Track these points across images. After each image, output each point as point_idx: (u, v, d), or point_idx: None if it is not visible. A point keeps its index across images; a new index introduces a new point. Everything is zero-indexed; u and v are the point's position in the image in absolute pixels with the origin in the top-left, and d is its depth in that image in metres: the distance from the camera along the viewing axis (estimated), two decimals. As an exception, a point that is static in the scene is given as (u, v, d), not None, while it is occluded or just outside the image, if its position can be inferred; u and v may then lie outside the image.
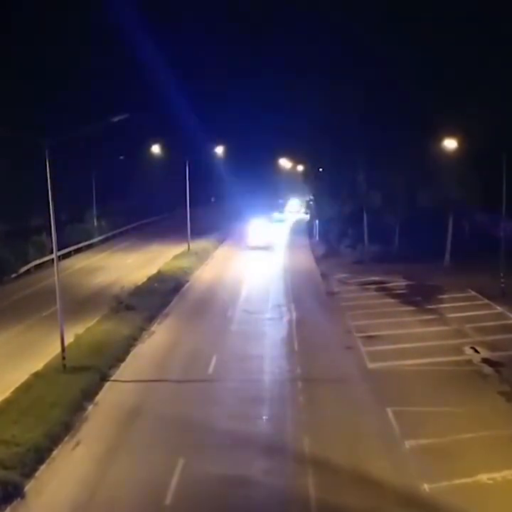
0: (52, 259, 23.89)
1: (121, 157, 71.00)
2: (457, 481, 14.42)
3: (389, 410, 18.42)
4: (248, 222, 58.79)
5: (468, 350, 24.15)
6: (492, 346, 24.28)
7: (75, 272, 43.59)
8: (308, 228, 68.14)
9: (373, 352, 24.15)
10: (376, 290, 36.30)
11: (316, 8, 49.91)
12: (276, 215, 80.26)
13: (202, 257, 48.56)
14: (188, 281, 39.53)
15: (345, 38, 45.28)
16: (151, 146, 70.96)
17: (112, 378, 21.82)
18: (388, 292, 35.49)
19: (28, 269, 42.69)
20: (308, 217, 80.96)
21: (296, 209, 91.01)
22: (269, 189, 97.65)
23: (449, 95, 36.65)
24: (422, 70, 38.88)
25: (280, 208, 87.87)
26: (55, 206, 21.61)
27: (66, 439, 16.99)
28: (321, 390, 20.43)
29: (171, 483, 14.55)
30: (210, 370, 22.51)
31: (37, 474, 15.08)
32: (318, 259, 48.57)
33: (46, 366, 21.92)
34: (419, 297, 33.40)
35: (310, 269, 44.86)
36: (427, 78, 38.60)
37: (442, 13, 38.30)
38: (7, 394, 19.36)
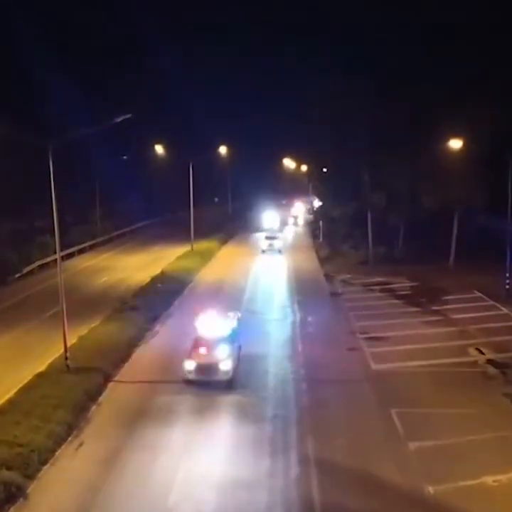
0: (56, 260, 23.84)
1: (125, 157, 71.08)
2: (462, 483, 14.35)
3: (393, 412, 18.37)
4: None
5: (473, 352, 24.06)
6: (497, 347, 24.19)
7: (79, 272, 43.59)
8: (312, 229, 67.97)
9: (377, 353, 24.07)
10: (380, 291, 36.19)
11: (319, 9, 50.04)
12: (265, 240, 52.49)
13: (205, 257, 48.51)
14: (191, 282, 39.49)
15: (348, 39, 45.36)
16: (154, 147, 71.09)
17: (116, 379, 21.80)
18: (392, 293, 35.39)
19: (31, 270, 42.72)
20: (300, 226, 74.00)
21: (276, 224, 62.46)
22: (269, 191, 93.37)
23: (454, 96, 36.58)
24: (426, 71, 38.83)
25: (272, 228, 59.90)
26: (58, 207, 21.60)
27: (69, 439, 16.99)
28: (325, 391, 20.37)
29: (174, 485, 14.51)
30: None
31: (40, 475, 15.08)
32: (322, 260, 48.48)
33: (50, 367, 21.90)
34: (424, 298, 33.30)
35: (314, 270, 44.76)
36: (431, 79, 38.54)
37: (446, 13, 38.28)
38: (10, 394, 19.37)
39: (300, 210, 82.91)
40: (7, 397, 19.18)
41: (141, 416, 18.58)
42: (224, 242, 58.92)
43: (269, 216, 65.00)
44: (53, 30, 56.86)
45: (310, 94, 46.79)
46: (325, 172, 57.79)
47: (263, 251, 51.25)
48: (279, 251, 51.32)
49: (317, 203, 68.07)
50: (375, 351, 24.34)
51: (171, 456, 16.04)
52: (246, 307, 32.50)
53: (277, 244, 51.97)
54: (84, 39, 63.56)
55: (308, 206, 79.64)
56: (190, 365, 20.62)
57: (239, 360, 21.73)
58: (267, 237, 53.16)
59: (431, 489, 14.17)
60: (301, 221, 78.27)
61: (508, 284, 32.87)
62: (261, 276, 41.90)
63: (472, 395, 19.73)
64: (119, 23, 69.00)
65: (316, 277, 41.83)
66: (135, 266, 45.69)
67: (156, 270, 40.92)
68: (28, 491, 14.32)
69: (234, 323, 23.06)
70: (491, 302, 31.61)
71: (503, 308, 30.41)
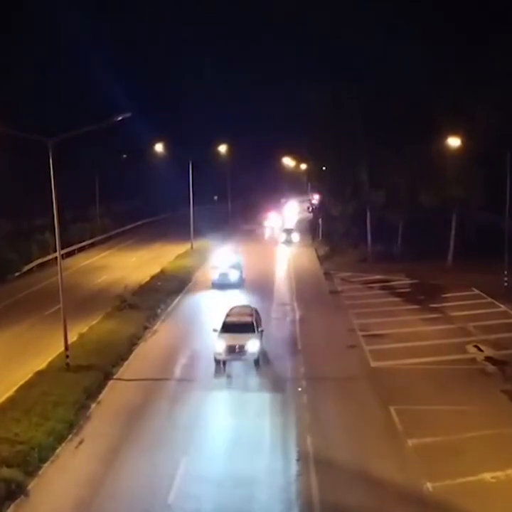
0: (56, 258, 23.91)
1: (124, 156, 71.14)
2: (461, 480, 14.39)
3: (392, 409, 18.41)
4: None
5: (471, 349, 24.10)
6: (495, 345, 24.25)
7: (79, 270, 43.65)
8: (312, 228, 67.88)
9: (376, 350, 24.12)
10: (379, 289, 36.26)
11: (318, 11, 50.12)
12: (223, 338, 22.48)
13: (205, 255, 48.54)
14: (191, 281, 39.54)
15: (346, 37, 45.31)
16: (154, 146, 71.08)
17: (116, 377, 21.85)
18: (392, 291, 35.46)
19: (31, 268, 42.77)
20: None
21: (235, 275, 37.34)
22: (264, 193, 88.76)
23: (452, 94, 36.61)
24: (424, 69, 38.83)
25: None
26: (58, 205, 21.64)
27: (69, 437, 17.02)
28: (325, 388, 20.43)
29: (174, 482, 14.57)
30: (214, 368, 22.45)
31: (40, 472, 15.13)
32: (322, 258, 48.52)
33: (50, 365, 21.98)
34: (423, 296, 33.36)
35: (314, 268, 44.82)
36: (429, 77, 38.55)
37: (443, 13, 38.32)
38: (11, 392, 19.44)
39: (295, 217, 75.58)
40: (7, 395, 19.25)
41: (140, 414, 18.65)
42: (224, 240, 58.90)
43: (223, 257, 39.43)
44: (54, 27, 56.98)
45: (309, 95, 46.72)
46: (324, 170, 57.77)
47: (218, 362, 22.21)
48: (256, 362, 22.33)
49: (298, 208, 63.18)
50: (374, 349, 24.39)
51: (170, 453, 16.09)
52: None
53: (251, 346, 22.19)
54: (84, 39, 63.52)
55: (308, 205, 78.50)
56: None
57: None
58: (229, 326, 23.17)
59: (429, 486, 14.21)
60: (296, 237, 58.39)
61: (506, 281, 32.95)
62: (259, 276, 41.78)
63: (471, 392, 19.76)
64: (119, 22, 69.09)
65: (315, 275, 41.89)
66: (135, 264, 45.77)
67: (155, 268, 41.01)
68: (29, 488, 14.37)
69: None
70: (489, 299, 31.67)
71: (501, 305, 30.47)
